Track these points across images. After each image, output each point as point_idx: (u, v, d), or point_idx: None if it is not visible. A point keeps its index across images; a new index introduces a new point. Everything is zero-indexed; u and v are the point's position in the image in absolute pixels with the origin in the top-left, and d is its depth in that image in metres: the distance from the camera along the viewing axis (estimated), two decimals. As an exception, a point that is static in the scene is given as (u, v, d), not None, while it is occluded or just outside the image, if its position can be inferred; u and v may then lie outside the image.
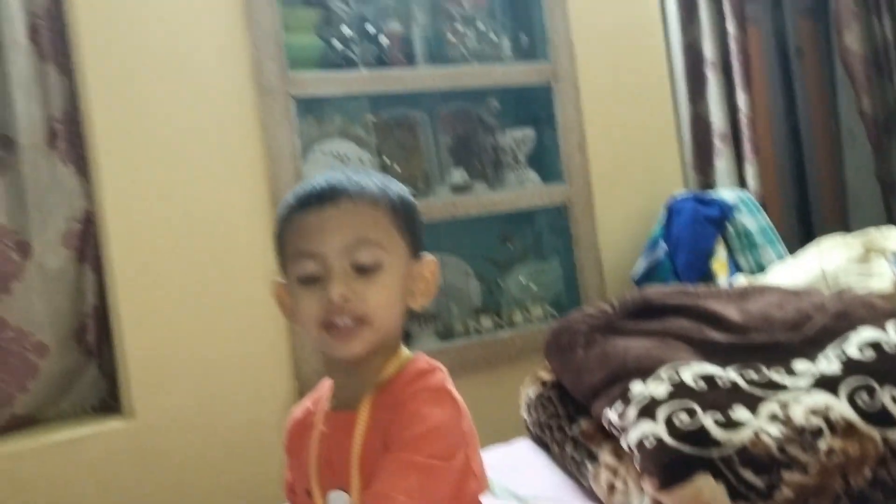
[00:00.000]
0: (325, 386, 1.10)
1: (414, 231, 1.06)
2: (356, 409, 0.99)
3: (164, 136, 2.15)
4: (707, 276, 2.51)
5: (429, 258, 1.07)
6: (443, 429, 0.96)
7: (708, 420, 1.48)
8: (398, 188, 1.07)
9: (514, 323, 2.67)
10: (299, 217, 1.01)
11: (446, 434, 0.96)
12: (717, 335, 1.72)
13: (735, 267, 2.57)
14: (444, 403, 0.98)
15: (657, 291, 1.95)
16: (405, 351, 1.06)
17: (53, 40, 2.08)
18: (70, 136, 2.10)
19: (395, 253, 1.01)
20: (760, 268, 2.56)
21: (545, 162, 2.73)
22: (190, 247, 2.17)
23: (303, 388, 2.27)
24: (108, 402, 2.18)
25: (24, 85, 2.03)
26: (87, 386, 2.16)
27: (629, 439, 1.54)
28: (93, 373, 2.17)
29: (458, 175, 2.63)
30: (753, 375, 1.57)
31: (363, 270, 0.98)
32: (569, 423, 1.81)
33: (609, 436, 1.69)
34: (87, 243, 2.12)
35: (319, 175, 1.06)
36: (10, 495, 1.95)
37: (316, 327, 0.99)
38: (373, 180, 1.04)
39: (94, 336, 2.15)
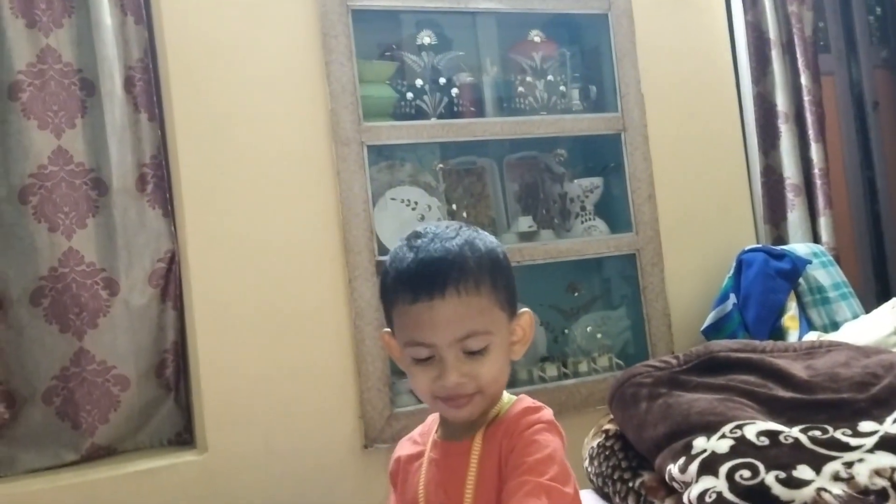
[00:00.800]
0: (431, 420, 1.20)
1: (511, 294, 1.14)
2: (469, 439, 1.10)
3: (244, 182, 2.25)
4: (778, 330, 2.48)
5: (525, 312, 1.16)
6: (558, 456, 1.07)
7: (770, 477, 1.47)
8: (490, 247, 1.14)
9: (579, 372, 2.67)
10: (409, 307, 1.08)
11: (562, 461, 1.08)
12: (782, 392, 1.71)
13: (807, 322, 2.53)
14: (556, 434, 1.10)
15: (723, 345, 1.94)
16: (506, 393, 1.16)
17: (147, 90, 2.22)
18: (158, 181, 2.22)
19: (499, 329, 1.11)
20: (834, 324, 2.51)
21: (613, 211, 2.75)
22: (267, 289, 2.25)
23: (368, 430, 2.31)
24: (184, 435, 2.26)
25: (118, 132, 2.17)
26: (164, 419, 2.25)
27: (690, 495, 1.53)
28: (170, 407, 2.26)
29: (524, 222, 2.66)
30: (818, 434, 1.55)
31: (473, 352, 1.08)
32: (632, 476, 1.80)
33: (672, 490, 1.69)
34: (169, 282, 2.22)
35: (420, 240, 1.11)
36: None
37: (431, 399, 1.11)
38: (468, 249, 1.10)
39: (173, 371, 2.24)
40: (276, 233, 2.28)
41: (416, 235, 1.13)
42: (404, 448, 1.22)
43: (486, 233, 1.18)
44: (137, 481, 2.10)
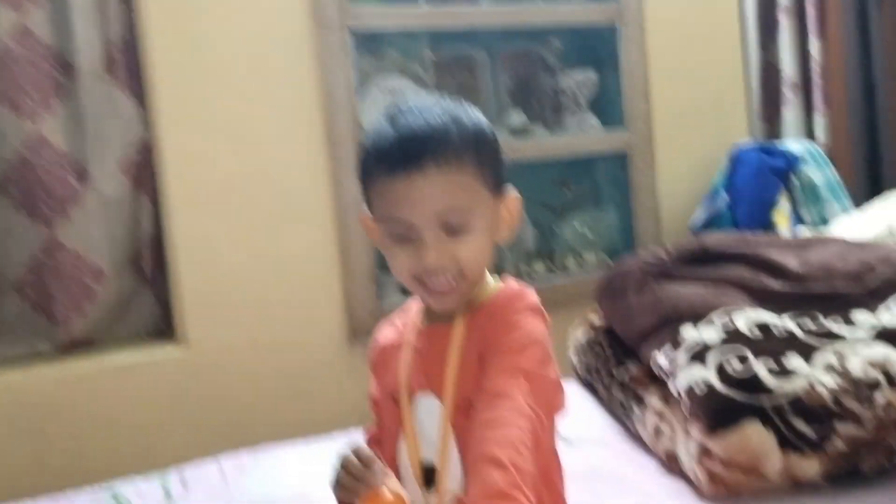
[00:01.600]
0: (413, 307, 1.15)
1: (497, 172, 1.07)
2: (451, 323, 1.06)
3: (221, 66, 2.15)
4: (768, 228, 2.44)
5: (512, 195, 1.09)
6: (540, 340, 1.03)
7: (760, 367, 1.44)
8: (476, 122, 1.07)
9: (566, 269, 2.64)
10: (386, 181, 1.02)
11: (542, 345, 1.03)
12: (774, 284, 1.67)
13: (798, 220, 2.48)
14: (539, 318, 1.05)
15: (715, 238, 1.89)
16: (491, 277, 1.11)
17: (114, -33, 2.09)
18: (128, 64, 2.11)
19: (481, 208, 1.04)
20: (824, 222, 2.47)
21: (607, 106, 2.67)
22: (245, 179, 2.17)
23: (354, 325, 2.28)
24: (163, 328, 2.22)
25: (84, 10, 2.04)
26: (142, 312, 2.21)
27: (678, 384, 1.51)
28: (148, 300, 2.21)
29: (516, 117, 2.58)
30: (810, 325, 1.52)
31: (453, 231, 1.02)
32: (617, 367, 1.78)
33: (657, 380, 1.67)
34: (143, 171, 2.15)
35: (401, 114, 1.04)
36: (68, 413, 2.02)
37: (410, 281, 1.05)
38: (452, 123, 1.03)
39: (150, 264, 2.18)
40: (255, 120, 2.19)
41: (397, 109, 1.06)
42: (384, 332, 1.18)
43: (473, 108, 1.10)
44: (116, 373, 2.07)
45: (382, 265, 2.38)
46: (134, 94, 2.12)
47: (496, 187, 1.07)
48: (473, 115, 1.08)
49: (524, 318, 1.04)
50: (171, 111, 2.10)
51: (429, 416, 1.05)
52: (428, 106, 1.05)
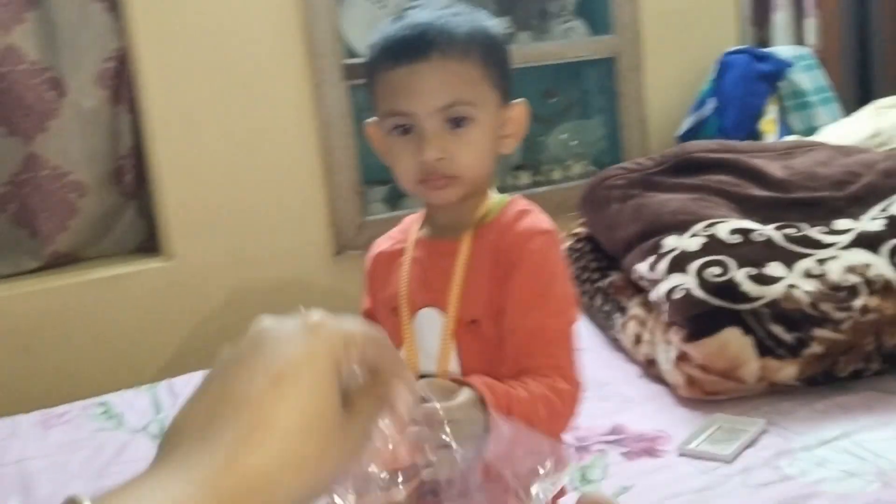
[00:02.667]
0: (411, 220, 1.15)
1: (505, 77, 1.05)
2: (457, 239, 1.05)
3: (196, -27, 2.08)
4: (755, 135, 2.41)
5: (519, 103, 1.07)
6: (565, 278, 1.04)
7: (740, 274, 1.46)
8: (488, 25, 1.05)
9: (552, 180, 2.62)
10: (390, 72, 1.01)
11: (567, 281, 1.05)
12: (757, 191, 1.67)
13: (786, 127, 2.46)
14: (557, 245, 1.06)
15: (699, 146, 1.88)
16: (496, 193, 1.09)
17: None
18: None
19: (486, 106, 1.02)
20: (812, 129, 2.45)
21: (594, 12, 2.60)
22: (226, 90, 2.13)
23: (339, 237, 2.28)
24: (147, 243, 2.21)
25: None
26: (126, 227, 2.20)
27: (658, 291, 1.52)
28: (132, 214, 2.20)
29: (501, 24, 2.52)
30: (791, 231, 1.53)
31: (455, 125, 1.01)
32: (600, 276, 1.79)
33: (639, 289, 1.68)
34: (121, 84, 2.10)
35: (409, 11, 1.04)
36: (54, 329, 2.03)
37: (410, 181, 1.04)
38: (461, 20, 1.02)
39: (132, 178, 2.16)
40: (235, 31, 2.13)
41: (407, 7, 1.06)
42: (382, 244, 1.17)
43: (488, 14, 1.08)
44: (102, 288, 2.07)
45: (367, 178, 2.37)
46: (107, 3, 2.06)
47: (503, 92, 1.05)
48: (485, 18, 1.07)
49: (548, 257, 1.03)
50: (147, 21, 2.04)
51: (430, 330, 1.05)
52: (437, 5, 1.05)
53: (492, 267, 1.03)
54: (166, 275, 2.13)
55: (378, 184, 2.43)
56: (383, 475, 0.90)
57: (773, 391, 1.47)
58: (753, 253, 1.48)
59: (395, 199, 2.45)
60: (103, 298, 2.06)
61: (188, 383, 1.70)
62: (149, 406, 1.63)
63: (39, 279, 2.06)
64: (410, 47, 1.00)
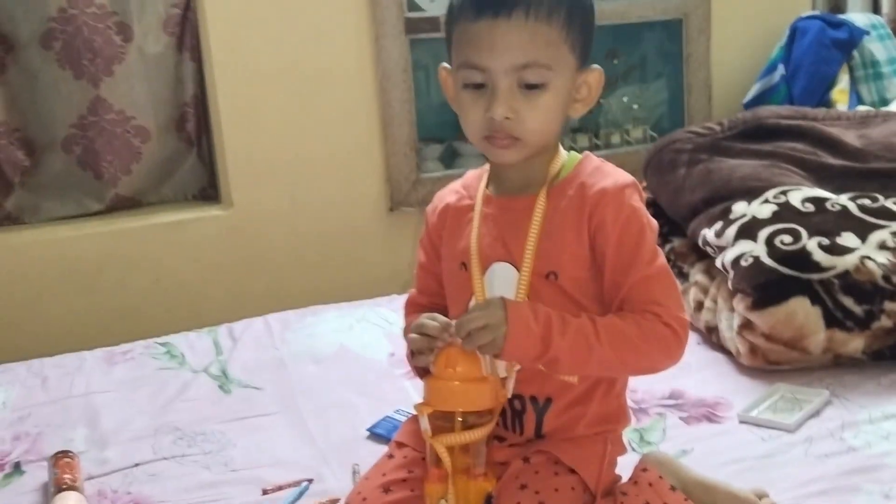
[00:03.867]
0: (474, 175, 1.14)
1: (585, 41, 1.03)
2: (531, 195, 1.05)
3: (263, -79, 2.07)
4: (825, 104, 2.35)
5: (596, 69, 1.05)
6: (650, 220, 1.04)
7: (812, 243, 1.43)
8: None
9: (611, 144, 2.58)
10: (470, 24, 1.00)
11: (654, 240, 1.04)
12: (832, 160, 1.63)
13: (857, 97, 2.39)
14: (642, 200, 1.05)
15: (771, 111, 1.84)
16: (564, 151, 1.08)
17: None
18: (169, -84, 2.04)
19: (562, 71, 1.00)
20: (883, 101, 2.38)
21: (661, -29, 2.54)
22: (288, 41, 2.13)
23: (394, 193, 2.28)
24: (208, 191, 2.24)
25: None
26: (187, 174, 2.22)
27: (725, 258, 1.50)
28: (193, 162, 2.22)
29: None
30: (867, 202, 1.49)
31: (528, 88, 0.99)
32: (661, 242, 1.77)
33: (702, 256, 1.66)
34: (185, 31, 2.11)
35: None
36: (116, 270, 2.07)
37: (475, 135, 1.03)
38: None
39: (195, 125, 2.18)
40: (299, -20, 2.12)
41: None
42: (448, 197, 1.15)
43: None
44: (162, 233, 2.10)
45: (423, 136, 2.36)
46: (174, -52, 2.06)
47: (582, 56, 1.03)
48: None
49: (638, 204, 1.02)
50: (212, -33, 2.04)
51: (503, 284, 1.04)
52: None
53: (574, 222, 1.02)
54: (225, 222, 2.15)
55: (434, 142, 2.42)
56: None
57: (837, 364, 1.45)
58: (826, 222, 1.45)
59: (451, 158, 2.44)
60: (164, 243, 2.09)
61: (247, 328, 1.72)
62: (210, 347, 1.65)
63: (102, 221, 2.09)
64: (496, 1, 0.98)
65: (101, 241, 2.06)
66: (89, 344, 1.75)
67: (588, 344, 0.97)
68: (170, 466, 1.30)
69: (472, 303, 1.05)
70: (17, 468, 1.31)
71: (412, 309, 1.17)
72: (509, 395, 1.01)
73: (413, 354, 1.02)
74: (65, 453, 1.27)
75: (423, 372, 1.05)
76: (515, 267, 1.04)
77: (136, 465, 1.30)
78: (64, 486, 1.19)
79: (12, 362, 1.65)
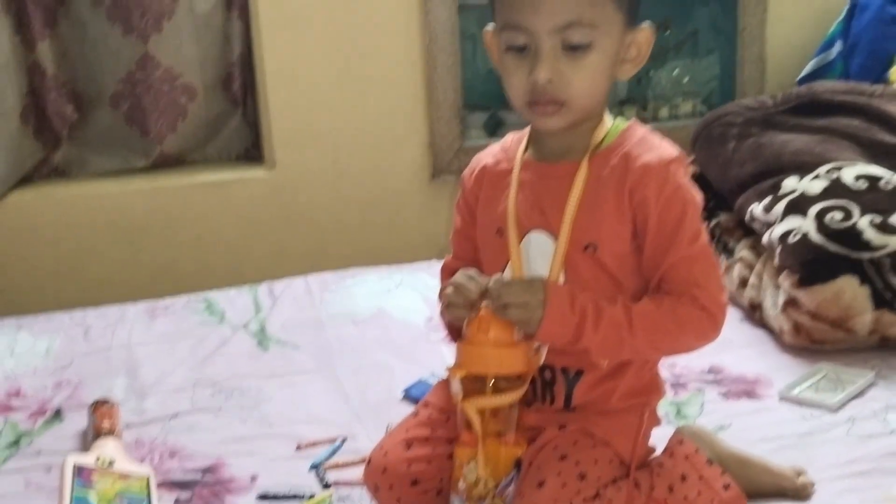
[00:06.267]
0: (514, 139, 1.11)
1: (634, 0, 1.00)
2: (574, 162, 1.02)
3: None
4: (883, 83, 2.28)
5: (645, 27, 1.02)
6: (699, 216, 1.01)
7: (863, 221, 1.39)
8: None
9: (659, 118, 2.53)
10: None
11: (699, 217, 1.01)
12: (888, 137, 1.58)
13: (916, 77, 2.32)
14: (687, 173, 1.02)
15: (826, 86, 1.79)
16: (610, 117, 1.05)
17: None
18: None
19: (609, 31, 0.97)
20: (945, 81, 2.30)
21: (718, -58, 2.48)
22: (335, 4, 2.12)
23: (436, 160, 2.27)
24: (252, 152, 2.24)
25: None
26: (232, 134, 2.22)
27: (773, 233, 1.47)
28: (238, 121, 2.22)
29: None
30: (924, 181, 1.44)
31: (573, 49, 0.96)
32: (707, 216, 1.74)
33: (749, 231, 1.63)
34: (235, -10, 2.11)
35: None
36: (159, 226, 2.09)
37: (519, 101, 1.01)
38: None
39: (240, 85, 2.18)
40: (347, -60, 2.10)
41: None
42: (485, 159, 1.13)
43: None
44: (206, 192, 2.11)
45: (468, 103, 2.33)
46: None
47: (630, 14, 0.99)
48: None
49: (680, 181, 0.99)
50: (263, -73, 2.03)
51: (540, 252, 1.03)
52: None
53: (616, 194, 0.99)
54: (267, 183, 2.15)
55: (479, 110, 2.40)
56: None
57: (883, 346, 1.42)
58: (879, 200, 1.41)
59: (496, 126, 2.42)
60: (207, 202, 2.11)
61: (287, 286, 1.73)
62: (250, 305, 1.67)
63: (147, 178, 2.11)
64: None
65: (145, 197, 2.08)
66: (131, 297, 1.77)
67: (619, 337, 0.97)
68: (206, 419, 1.31)
69: (507, 271, 1.04)
70: (57, 414, 1.34)
71: (447, 274, 1.15)
72: (541, 362, 1.00)
73: (449, 305, 1.00)
74: (105, 401, 1.29)
75: (454, 333, 1.04)
76: (553, 236, 1.02)
77: (174, 415, 1.32)
78: (103, 433, 1.21)
79: (56, 311, 1.68)
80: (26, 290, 2.00)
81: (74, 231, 2.04)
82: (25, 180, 2.05)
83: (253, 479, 1.17)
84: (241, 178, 2.16)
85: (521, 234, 1.04)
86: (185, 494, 1.14)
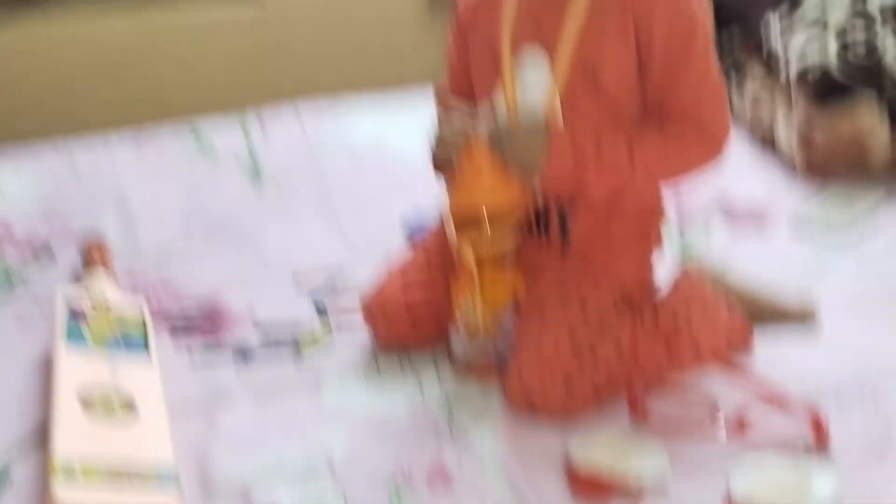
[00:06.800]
0: None
1: None
2: None
3: None
4: None
5: None
6: (707, 36, 0.97)
7: (887, 37, 1.31)
8: None
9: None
10: None
11: (708, 38, 0.98)
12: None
13: None
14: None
15: None
16: None
17: None
18: None
19: None
20: None
21: None
22: None
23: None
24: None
25: None
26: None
27: (789, 48, 1.39)
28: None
29: None
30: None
31: None
32: (717, 28, 1.64)
33: (762, 48, 1.54)
34: None
35: None
36: (146, 66, 2.00)
37: None
38: None
39: None
40: None
41: None
42: None
43: None
44: (196, 32, 2.01)
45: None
46: None
47: None
48: None
49: (693, 14, 0.94)
50: None
51: (534, 74, 0.97)
52: None
53: (619, 15, 0.93)
54: (257, 23, 2.04)
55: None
56: None
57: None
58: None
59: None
60: (195, 42, 2.02)
61: (276, 115, 1.66)
62: (238, 133, 1.61)
63: (132, 14, 1.99)
64: None
65: (131, 35, 1.98)
66: (119, 127, 1.71)
67: (620, 180, 0.95)
68: (200, 250, 1.29)
69: (500, 93, 0.99)
70: (47, 248, 1.31)
71: (441, 99, 1.10)
72: (537, 196, 0.97)
73: (439, 141, 0.97)
74: (96, 240, 1.26)
75: (441, 165, 0.99)
76: (549, 55, 0.95)
77: (167, 246, 1.29)
78: (94, 266, 1.19)
79: (39, 144, 1.62)
80: (8, 124, 1.94)
81: (57, 65, 1.95)
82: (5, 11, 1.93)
83: (250, 308, 1.15)
84: (230, 16, 2.03)
85: (516, 51, 0.98)
86: (180, 322, 1.13)
